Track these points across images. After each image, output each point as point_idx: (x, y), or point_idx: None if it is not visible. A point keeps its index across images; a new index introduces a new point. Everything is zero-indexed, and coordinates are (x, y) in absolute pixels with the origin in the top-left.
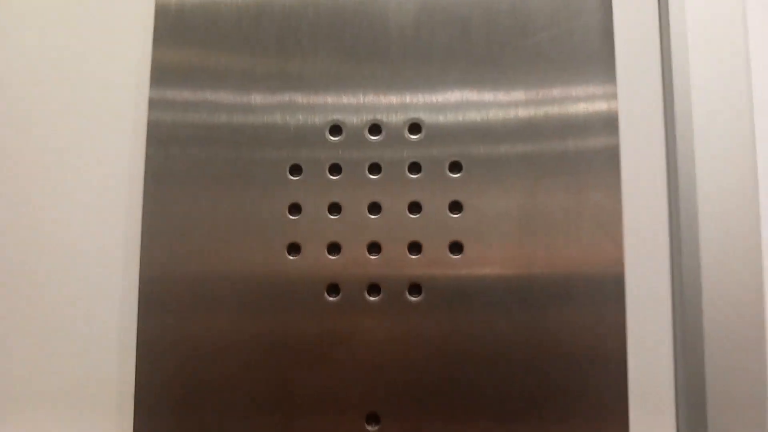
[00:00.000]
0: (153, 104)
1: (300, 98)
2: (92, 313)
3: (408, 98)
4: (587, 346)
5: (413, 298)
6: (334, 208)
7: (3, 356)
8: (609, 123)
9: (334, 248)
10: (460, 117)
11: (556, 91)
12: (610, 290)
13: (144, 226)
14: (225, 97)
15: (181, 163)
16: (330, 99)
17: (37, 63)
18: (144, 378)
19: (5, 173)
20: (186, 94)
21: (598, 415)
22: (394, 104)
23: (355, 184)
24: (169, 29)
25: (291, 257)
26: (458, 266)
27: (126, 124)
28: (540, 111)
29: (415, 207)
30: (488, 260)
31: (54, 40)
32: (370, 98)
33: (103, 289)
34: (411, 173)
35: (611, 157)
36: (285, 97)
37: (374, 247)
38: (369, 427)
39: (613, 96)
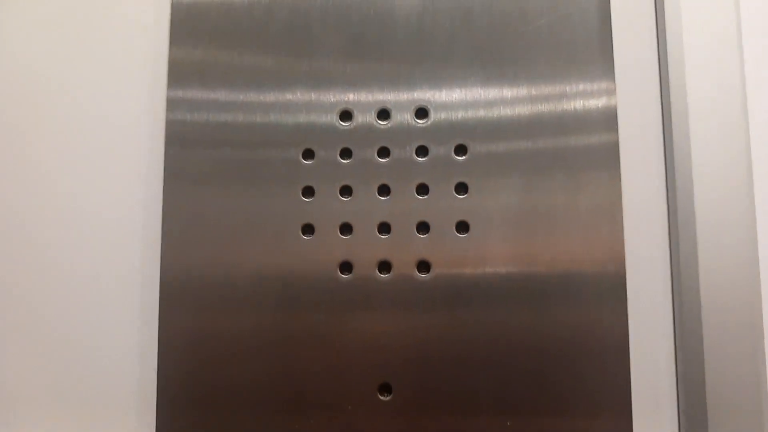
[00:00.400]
0: (171, 103)
1: (311, 87)
2: (114, 313)
3: (415, 85)
4: (590, 329)
5: (422, 275)
6: (346, 190)
7: (26, 356)
8: (608, 119)
9: (346, 228)
10: (464, 107)
11: (555, 87)
12: (611, 276)
13: (164, 222)
14: (239, 92)
15: (199, 159)
16: (340, 87)
17: (54, 63)
18: (166, 376)
19: (24, 175)
20: (202, 92)
21: (602, 410)
22: (402, 91)
23: (366, 167)
24: (184, 27)
25: (305, 237)
26: (464, 245)
27: (144, 123)
28: (539, 107)
29: (422, 188)
30: (493, 239)
31: (71, 41)
32: (378, 86)
33: (124, 288)
34: (418, 156)
35: (611, 153)
36: (297, 87)
37: (384, 227)
38: (381, 397)
39: (612, 92)
